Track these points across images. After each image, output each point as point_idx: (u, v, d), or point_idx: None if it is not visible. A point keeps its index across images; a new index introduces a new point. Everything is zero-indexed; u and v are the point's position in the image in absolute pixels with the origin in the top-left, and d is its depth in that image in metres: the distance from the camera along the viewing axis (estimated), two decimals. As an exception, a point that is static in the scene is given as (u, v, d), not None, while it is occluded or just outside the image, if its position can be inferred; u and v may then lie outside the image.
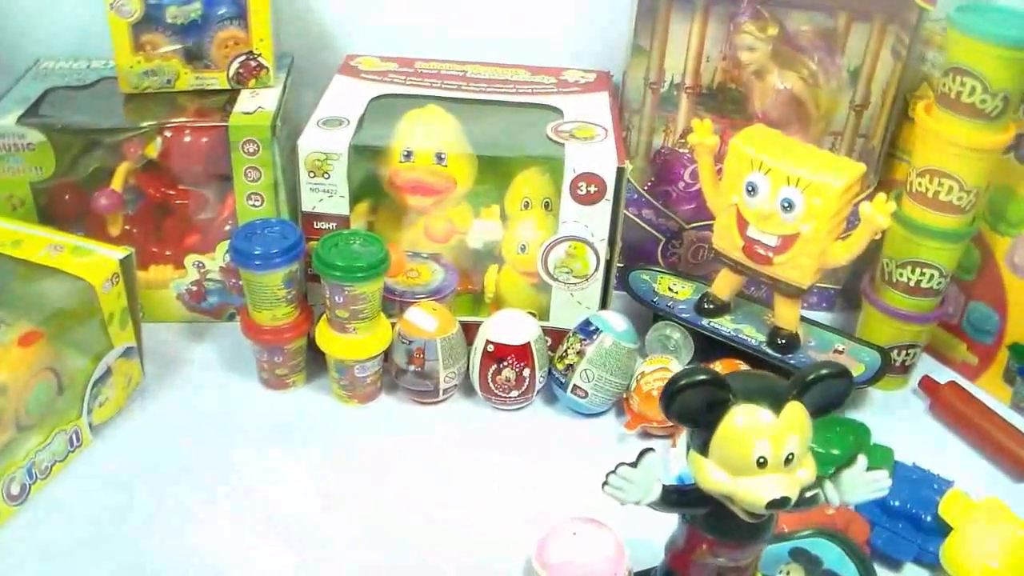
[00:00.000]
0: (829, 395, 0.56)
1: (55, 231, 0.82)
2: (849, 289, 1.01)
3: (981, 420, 0.86)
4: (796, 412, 0.54)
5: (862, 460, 0.57)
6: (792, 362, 0.87)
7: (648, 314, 0.94)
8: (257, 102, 0.90)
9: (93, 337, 0.78)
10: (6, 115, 0.85)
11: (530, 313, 0.87)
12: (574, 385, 0.84)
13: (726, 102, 0.94)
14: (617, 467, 0.56)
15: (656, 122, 0.96)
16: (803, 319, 0.90)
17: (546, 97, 0.93)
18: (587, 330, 0.84)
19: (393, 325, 0.85)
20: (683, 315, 0.92)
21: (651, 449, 0.56)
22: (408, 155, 0.85)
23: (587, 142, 0.84)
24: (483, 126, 0.88)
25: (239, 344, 0.88)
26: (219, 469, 0.78)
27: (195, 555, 0.70)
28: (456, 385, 0.87)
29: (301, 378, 0.88)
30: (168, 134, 0.87)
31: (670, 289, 0.96)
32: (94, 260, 0.78)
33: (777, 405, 0.54)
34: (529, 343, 0.83)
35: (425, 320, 0.83)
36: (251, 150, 0.86)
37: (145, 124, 0.87)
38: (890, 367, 0.88)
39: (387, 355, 0.85)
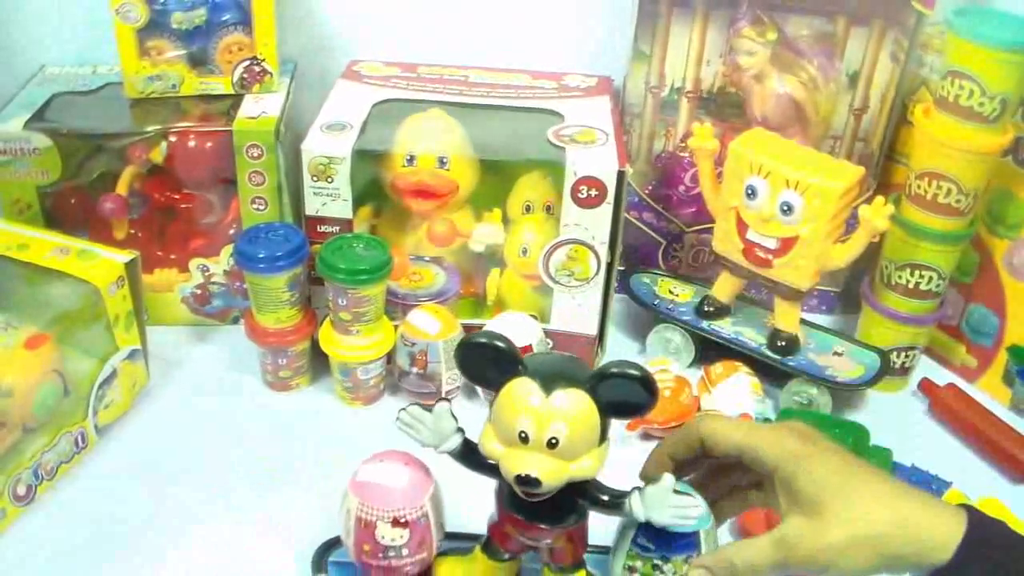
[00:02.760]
0: (626, 396, 0.54)
1: (61, 235, 0.82)
2: (849, 292, 1.01)
3: (980, 422, 0.86)
4: (574, 400, 0.54)
5: (667, 479, 0.55)
6: (792, 364, 0.87)
7: (649, 317, 0.94)
8: (261, 107, 0.90)
9: (99, 340, 0.79)
10: (12, 120, 0.86)
11: (532, 316, 0.87)
12: None
13: (726, 106, 0.94)
14: (409, 405, 0.60)
15: (657, 126, 0.96)
16: (803, 321, 0.91)
17: (547, 101, 0.93)
18: None
19: (396, 328, 0.86)
20: (684, 318, 0.92)
21: (446, 399, 0.60)
22: (411, 159, 0.86)
23: (588, 146, 0.85)
24: (485, 130, 0.88)
25: (243, 347, 0.88)
26: (223, 470, 0.78)
27: (197, 555, 0.71)
28: (458, 387, 0.87)
29: (305, 380, 0.89)
30: (173, 139, 0.88)
31: (671, 292, 0.96)
32: (100, 263, 0.79)
33: (556, 387, 0.54)
34: (531, 345, 0.84)
35: (428, 323, 0.84)
36: (255, 154, 0.87)
37: (150, 129, 0.87)
38: (889, 369, 0.89)
39: (390, 357, 0.86)
